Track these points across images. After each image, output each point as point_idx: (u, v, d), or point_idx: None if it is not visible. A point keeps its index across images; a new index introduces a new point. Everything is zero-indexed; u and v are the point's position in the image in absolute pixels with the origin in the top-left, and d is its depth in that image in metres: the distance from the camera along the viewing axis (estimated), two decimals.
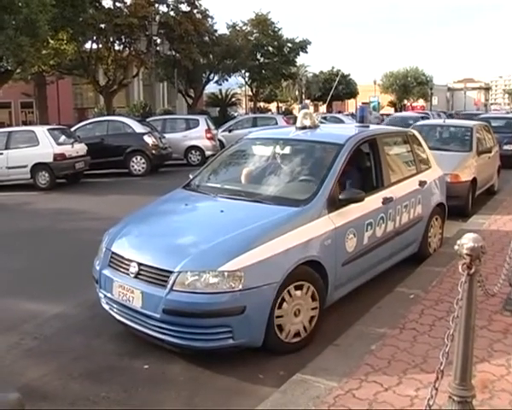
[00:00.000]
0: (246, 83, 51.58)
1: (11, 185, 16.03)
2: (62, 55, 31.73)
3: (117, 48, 35.64)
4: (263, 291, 4.51)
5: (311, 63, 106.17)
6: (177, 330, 4.48)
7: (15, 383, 4.02)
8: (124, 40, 35.05)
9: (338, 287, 5.47)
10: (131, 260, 4.87)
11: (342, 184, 5.87)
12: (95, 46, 34.40)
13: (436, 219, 7.67)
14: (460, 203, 10.15)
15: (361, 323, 5.18)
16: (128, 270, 4.84)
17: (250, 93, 54.41)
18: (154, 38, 35.62)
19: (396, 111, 62.60)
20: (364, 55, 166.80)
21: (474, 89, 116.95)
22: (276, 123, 24.57)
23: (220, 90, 51.15)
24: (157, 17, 35.52)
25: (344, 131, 7.27)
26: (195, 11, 38.93)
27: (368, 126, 7.15)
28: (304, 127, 6.70)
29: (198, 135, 22.08)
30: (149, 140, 19.11)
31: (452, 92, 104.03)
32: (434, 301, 5.68)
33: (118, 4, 33.73)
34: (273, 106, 68.77)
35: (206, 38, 40.02)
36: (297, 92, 67.39)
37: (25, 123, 43.27)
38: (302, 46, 49.12)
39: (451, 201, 8.41)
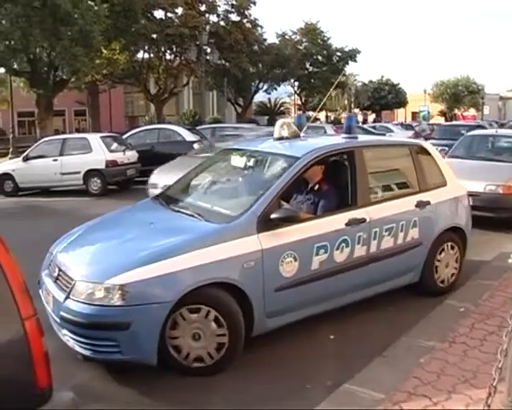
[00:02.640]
0: (295, 92, 51.59)
1: (64, 191, 16.43)
2: (115, 64, 32.58)
3: (168, 57, 36.34)
4: (151, 309, 4.31)
5: (361, 72, 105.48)
6: (73, 338, 4.47)
7: (69, 383, 4.11)
8: (175, 50, 35.69)
9: (272, 315, 4.95)
10: (56, 265, 5.01)
11: (307, 202, 5.75)
12: (146, 56, 35.16)
13: (449, 247, 6.51)
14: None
15: (409, 335, 5.10)
16: (53, 274, 4.98)
17: (299, 102, 54.41)
18: (205, 47, 36.12)
19: (446, 121, 61.44)
20: (414, 64, 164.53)
21: None
22: (325, 132, 24.51)
23: (269, 99, 51.40)
24: (207, 27, 36.02)
25: (317, 142, 6.34)
26: (245, 21, 39.33)
27: (356, 137, 6.39)
28: (281, 138, 6.18)
29: None
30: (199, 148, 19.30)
31: (505, 101, 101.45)
32: (485, 315, 5.55)
33: (169, 15, 34.41)
34: (322, 115, 68.54)
35: (256, 47, 40.36)
36: (346, 101, 66.99)
37: (78, 130, 44.42)
38: (351, 55, 48.95)
39: (503, 213, 8.16)
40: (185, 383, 4.48)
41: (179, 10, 34.57)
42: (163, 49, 35.48)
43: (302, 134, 6.39)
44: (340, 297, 5.51)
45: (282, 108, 54.22)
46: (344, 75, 52.14)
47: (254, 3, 39.56)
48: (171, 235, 4.90)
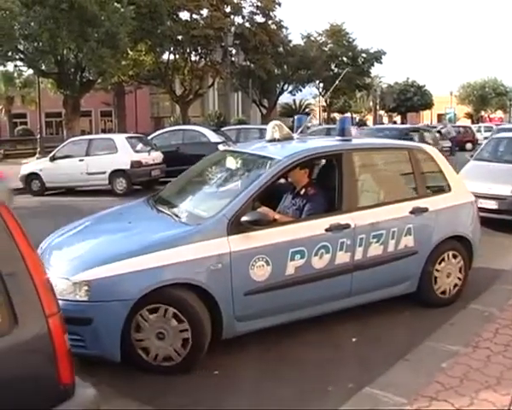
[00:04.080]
0: (320, 93, 51.48)
1: (90, 191, 16.62)
2: (141, 65, 32.90)
3: (193, 58, 36.55)
4: (113, 306, 4.37)
5: (386, 74, 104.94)
6: None
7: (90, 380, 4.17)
8: (200, 51, 35.88)
9: (244, 318, 4.91)
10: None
11: (293, 207, 5.69)
12: (172, 57, 35.41)
13: (451, 256, 6.16)
14: None
15: (432, 339, 5.06)
16: None
17: (324, 104, 54.26)
18: (230, 48, 36.22)
19: (473, 123, 60.72)
20: (441, 66, 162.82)
21: None
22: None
23: (294, 101, 51.41)
24: (232, 28, 36.14)
25: (304, 145, 6.14)
26: (270, 22, 39.38)
27: (350, 140, 6.18)
28: (273, 140, 6.11)
29: None
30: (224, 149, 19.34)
31: None
32: (510, 320, 5.46)
33: (194, 16, 34.59)
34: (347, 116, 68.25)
35: (281, 49, 40.40)
36: (371, 103, 66.65)
37: (104, 131, 44.95)
38: (377, 57, 48.68)
39: None
40: (206, 383, 4.52)
41: (204, 12, 34.75)
42: (188, 51, 35.68)
43: (297, 136, 6.32)
44: (321, 305, 5.36)
45: (307, 110, 54.12)
46: (369, 77, 51.92)
47: (279, 5, 39.63)
48: (142, 234, 5.04)
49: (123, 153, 16.61)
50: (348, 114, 65.45)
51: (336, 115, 61.96)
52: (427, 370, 4.43)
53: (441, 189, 6.34)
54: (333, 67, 48.22)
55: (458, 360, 4.60)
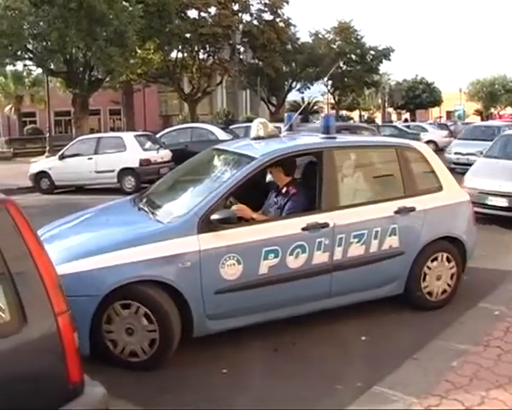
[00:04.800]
0: (328, 91, 51.39)
1: (99, 189, 16.68)
2: (149, 64, 32.94)
3: (201, 56, 36.53)
4: (81, 302, 4.30)
5: (395, 71, 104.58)
6: None
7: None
8: (208, 49, 35.85)
9: (215, 317, 4.91)
10: None
11: (275, 205, 5.68)
12: (180, 55, 35.40)
13: (444, 258, 5.99)
14: None
15: (442, 338, 5.04)
16: None
17: (332, 101, 54.16)
18: (238, 46, 36.23)
19: (482, 120, 60.39)
20: (450, 63, 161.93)
21: None
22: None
23: (302, 98, 51.24)
24: (240, 26, 36.11)
25: (285, 143, 6.04)
26: (278, 20, 39.29)
27: (334, 138, 6.09)
28: (258, 138, 6.05)
29: None
30: None
31: None
32: None
33: (202, 14, 34.57)
34: (355, 114, 68.09)
35: (289, 47, 40.33)
36: (380, 100, 66.42)
37: (112, 129, 45.09)
38: (385, 54, 48.41)
39: None
40: (215, 381, 4.52)
41: (212, 10, 34.70)
42: (196, 49, 35.66)
43: (284, 133, 6.28)
44: (299, 305, 5.30)
45: (315, 107, 54.02)
46: (377, 74, 51.76)
47: (287, 2, 39.46)
48: (115, 231, 5.14)
49: (132, 151, 16.65)
50: (354, 113, 65.44)
51: (345, 113, 61.90)
52: (437, 369, 4.42)
53: (432, 188, 6.12)
54: (341, 64, 48.04)
55: (468, 358, 4.58)
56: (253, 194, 5.71)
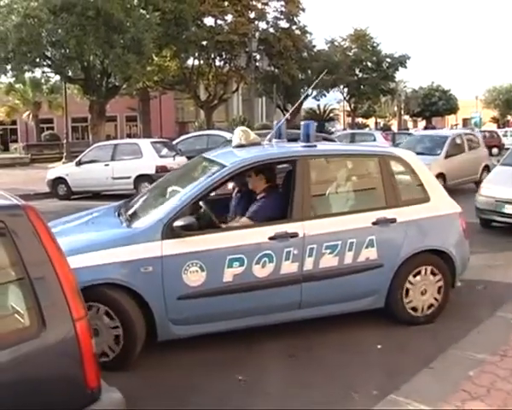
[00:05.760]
0: (344, 98, 51.34)
1: (115, 195, 16.74)
2: (166, 71, 33.17)
3: (218, 64, 36.73)
4: None
5: (411, 78, 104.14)
6: None
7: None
8: (224, 56, 36.04)
9: (180, 322, 4.95)
10: None
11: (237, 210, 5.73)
12: (196, 62, 35.60)
13: (426, 271, 5.72)
14: None
15: (458, 347, 5.00)
16: None
17: (348, 108, 54.09)
18: (254, 54, 36.23)
19: (499, 127, 59.89)
20: (466, 70, 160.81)
21: None
22: (375, 139, 24.28)
23: (318, 106, 51.22)
24: (257, 34, 36.22)
25: (260, 151, 5.90)
26: (294, 27, 39.37)
27: (314, 146, 5.94)
28: (240, 145, 6.00)
29: None
30: None
31: None
32: None
33: (219, 22, 34.79)
34: (371, 121, 67.94)
35: (305, 54, 40.39)
36: (396, 108, 66.22)
37: (129, 136, 45.37)
38: (401, 61, 48.32)
39: None
40: (230, 389, 4.51)
41: (229, 17, 34.91)
42: (213, 56, 35.86)
43: (266, 142, 6.24)
44: (267, 314, 5.23)
45: (331, 115, 53.99)
46: (393, 81, 51.60)
47: (303, 10, 39.59)
48: (85, 236, 5.22)
49: (148, 158, 16.72)
50: (370, 121, 65.26)
51: (360, 120, 61.76)
52: (453, 378, 4.38)
53: (417, 199, 5.89)
54: (357, 71, 48.03)
55: (485, 368, 4.54)
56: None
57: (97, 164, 17.02)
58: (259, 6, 37.56)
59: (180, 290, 4.86)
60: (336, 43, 46.53)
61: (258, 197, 5.70)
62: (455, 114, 71.02)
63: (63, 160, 25.65)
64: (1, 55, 22.29)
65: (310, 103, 50.65)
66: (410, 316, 5.71)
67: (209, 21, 34.51)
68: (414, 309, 5.71)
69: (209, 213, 5.38)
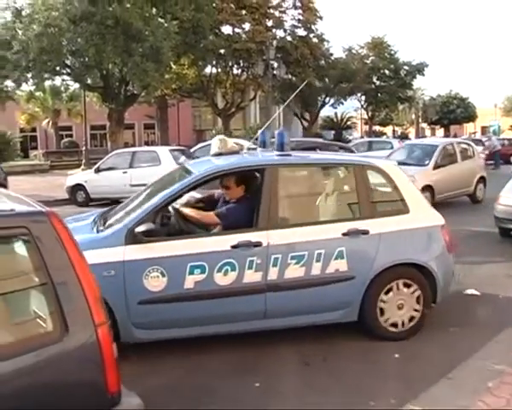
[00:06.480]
0: (361, 106, 51.25)
1: None
2: (183, 79, 33.39)
3: (235, 72, 36.89)
4: None
5: (428, 86, 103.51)
6: None
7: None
8: (242, 64, 36.19)
9: (142, 326, 5.00)
10: None
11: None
12: (214, 70, 35.76)
13: (402, 286, 5.49)
14: None
15: (477, 357, 4.98)
16: None
17: (365, 116, 53.96)
18: (271, 62, 36.34)
19: None
20: (485, 78, 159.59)
21: None
22: (392, 147, 24.15)
23: (336, 114, 51.19)
24: (274, 42, 36.26)
25: (231, 160, 5.86)
26: (312, 35, 39.42)
27: (289, 155, 5.87)
28: (219, 154, 6.00)
29: None
30: None
31: None
32: None
33: (237, 30, 34.93)
34: (388, 129, 67.67)
35: (322, 62, 40.40)
36: (413, 116, 65.91)
37: (147, 143, 45.67)
38: (419, 69, 48.06)
39: None
40: (249, 395, 4.52)
41: (246, 26, 35.06)
42: (230, 64, 36.03)
43: (245, 150, 6.28)
44: (231, 323, 5.21)
45: (348, 123, 53.91)
46: (411, 89, 51.38)
47: (321, 18, 39.62)
48: None
49: (166, 165, 16.74)
50: (387, 129, 64.93)
51: (378, 128, 61.54)
52: (472, 389, 4.37)
53: (395, 210, 5.73)
54: (374, 79, 47.89)
55: (505, 379, 4.51)
56: None
57: (115, 171, 17.16)
58: (277, 14, 37.68)
59: (141, 295, 4.93)
60: (354, 51, 46.41)
61: (231, 201, 5.72)
62: (473, 121, 70.40)
63: (82, 167, 25.87)
64: (22, 64, 22.60)
65: (327, 111, 50.63)
66: (387, 331, 5.51)
67: (227, 30, 34.73)
68: (394, 325, 5.51)
69: (179, 220, 5.46)
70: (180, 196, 5.44)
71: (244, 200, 5.59)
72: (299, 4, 38.33)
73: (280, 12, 37.91)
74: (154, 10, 25.72)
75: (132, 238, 4.94)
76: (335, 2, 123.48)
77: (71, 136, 45.98)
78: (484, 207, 14.00)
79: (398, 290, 5.48)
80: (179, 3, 25.07)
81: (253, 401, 4.44)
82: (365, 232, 5.40)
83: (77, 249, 2.76)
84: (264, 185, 5.34)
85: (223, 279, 5.06)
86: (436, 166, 14.08)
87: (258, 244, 5.11)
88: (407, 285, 5.50)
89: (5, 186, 14.30)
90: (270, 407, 4.35)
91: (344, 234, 5.35)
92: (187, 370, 5.01)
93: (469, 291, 6.87)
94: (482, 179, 15.47)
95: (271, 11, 37.16)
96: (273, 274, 5.16)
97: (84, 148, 28.88)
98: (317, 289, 5.27)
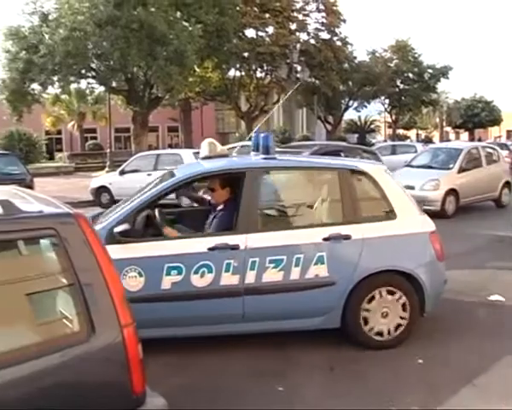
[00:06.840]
0: (385, 109, 50.99)
1: (157, 204, 16.93)
2: (207, 82, 33.52)
3: (259, 75, 36.96)
4: None
5: (453, 89, 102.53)
6: None
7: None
8: (265, 68, 36.25)
9: None
10: None
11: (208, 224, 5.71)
12: (238, 74, 35.85)
13: (386, 293, 5.35)
14: None
15: (502, 364, 4.92)
16: None
17: (389, 120, 53.68)
18: (295, 65, 36.43)
19: None
20: (510, 82, 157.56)
21: None
22: (416, 151, 23.95)
23: (359, 117, 51.01)
24: (298, 45, 36.35)
25: (214, 163, 5.92)
26: (335, 39, 39.39)
27: (274, 158, 5.82)
28: (208, 157, 6.08)
29: None
30: None
31: None
32: None
33: (260, 34, 35.01)
34: (412, 133, 67.19)
35: (346, 65, 40.33)
36: (437, 119, 65.36)
37: (170, 146, 45.94)
38: (443, 72, 47.71)
39: None
40: (273, 399, 4.54)
41: (270, 29, 35.14)
42: (254, 68, 36.10)
43: (234, 153, 6.26)
44: (209, 325, 5.22)
45: (372, 126, 53.66)
46: (435, 93, 50.98)
47: (344, 21, 39.59)
48: None
49: None
50: (411, 132, 64.44)
51: (401, 132, 61.15)
52: (497, 396, 4.32)
53: (380, 216, 5.59)
54: (398, 83, 47.64)
55: None
56: None
57: (140, 173, 17.21)
58: (300, 17, 37.75)
59: None
60: (377, 55, 46.24)
61: (217, 210, 5.78)
62: (498, 125, 69.59)
63: (106, 169, 26.12)
64: (48, 68, 22.93)
65: (351, 115, 50.50)
66: (372, 340, 5.38)
67: (250, 33, 34.88)
68: (379, 334, 5.39)
69: (159, 222, 5.56)
70: (159, 198, 5.57)
71: (230, 203, 5.65)
72: (322, 7, 38.37)
73: (303, 15, 38.00)
74: (179, 14, 25.92)
75: (111, 238, 4.98)
76: (359, 5, 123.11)
77: (95, 138, 46.45)
78: (509, 212, 13.84)
79: (382, 298, 5.36)
80: (203, 7, 25.23)
81: (276, 405, 4.43)
82: (347, 237, 5.30)
83: (103, 251, 2.80)
84: (245, 189, 5.35)
85: (199, 281, 5.08)
86: (461, 170, 13.99)
87: (235, 247, 5.12)
88: (391, 293, 5.37)
89: (32, 188, 14.48)
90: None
91: (325, 239, 5.26)
92: (210, 371, 5.03)
93: (494, 297, 6.80)
94: (507, 184, 15.30)
95: (295, 14, 37.27)
96: (251, 277, 5.14)
97: (108, 150, 29.13)
98: (295, 294, 5.22)
